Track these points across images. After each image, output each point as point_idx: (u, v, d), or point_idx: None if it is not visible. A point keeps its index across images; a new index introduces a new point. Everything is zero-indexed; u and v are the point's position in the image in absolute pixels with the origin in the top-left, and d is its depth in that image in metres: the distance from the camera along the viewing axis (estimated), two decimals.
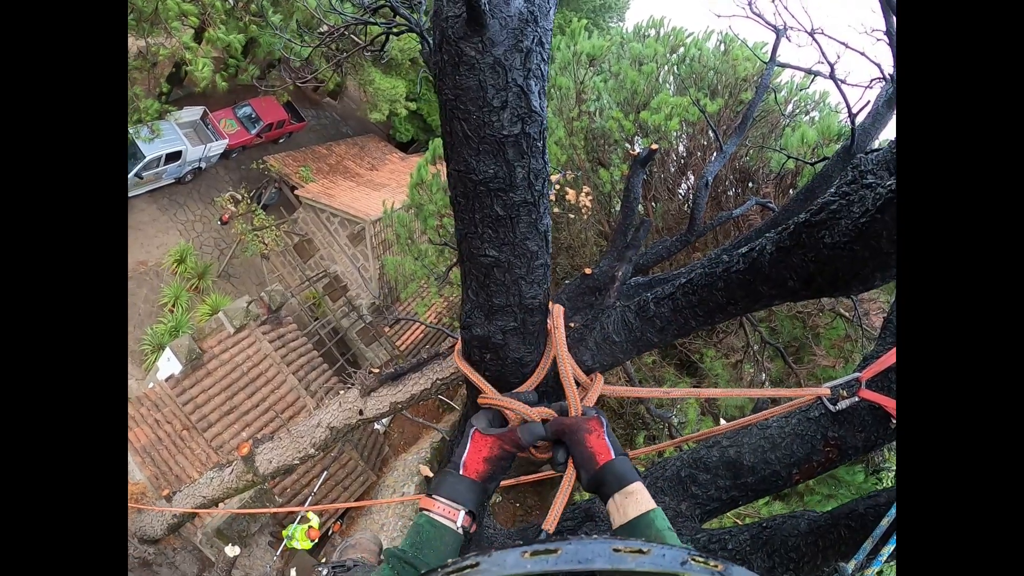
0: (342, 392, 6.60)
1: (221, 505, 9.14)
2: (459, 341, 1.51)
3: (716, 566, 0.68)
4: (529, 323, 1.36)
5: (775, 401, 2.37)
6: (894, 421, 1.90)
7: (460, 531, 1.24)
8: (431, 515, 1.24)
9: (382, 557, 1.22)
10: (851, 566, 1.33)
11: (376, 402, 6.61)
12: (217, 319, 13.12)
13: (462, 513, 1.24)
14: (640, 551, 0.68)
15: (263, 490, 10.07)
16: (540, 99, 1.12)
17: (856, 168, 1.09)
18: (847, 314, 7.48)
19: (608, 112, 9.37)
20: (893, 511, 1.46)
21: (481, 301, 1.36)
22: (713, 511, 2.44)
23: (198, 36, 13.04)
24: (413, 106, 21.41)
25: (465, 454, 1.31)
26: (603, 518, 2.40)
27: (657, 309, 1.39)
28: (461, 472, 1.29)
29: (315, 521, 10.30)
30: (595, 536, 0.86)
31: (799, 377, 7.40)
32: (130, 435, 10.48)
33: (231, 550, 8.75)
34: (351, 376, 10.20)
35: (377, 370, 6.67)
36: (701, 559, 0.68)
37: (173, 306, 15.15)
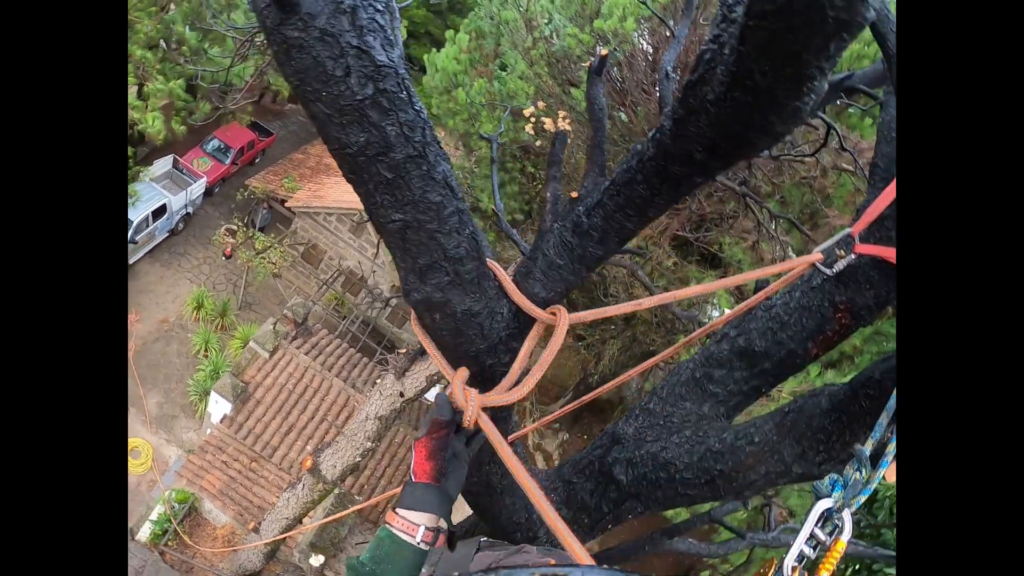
0: (379, 381, 6.70)
1: (305, 521, 9.42)
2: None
3: None
4: (462, 272, 1.35)
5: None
6: None
7: (421, 546, 1.22)
8: (392, 529, 1.23)
9: (346, 565, 1.23)
10: (868, 447, 1.22)
11: (413, 380, 6.71)
12: (250, 349, 13.33)
13: (421, 529, 1.22)
14: None
15: (340, 494, 10.35)
16: (387, 50, 1.09)
17: (725, 3, 1.01)
18: (849, 168, 7.33)
19: (563, 31, 9.20)
20: None
21: (409, 265, 1.34)
22: (738, 405, 2.38)
23: (140, 92, 12.95)
24: None
25: (412, 462, 1.30)
26: (629, 440, 2.40)
27: (590, 221, 1.35)
28: (414, 479, 1.28)
29: None
30: (605, 567, 0.88)
31: (817, 243, 7.30)
32: (203, 482, 10.80)
33: (315, 560, 9.04)
34: (386, 362, 10.34)
35: (404, 350, 6.75)
36: None
37: (206, 351, 15.40)
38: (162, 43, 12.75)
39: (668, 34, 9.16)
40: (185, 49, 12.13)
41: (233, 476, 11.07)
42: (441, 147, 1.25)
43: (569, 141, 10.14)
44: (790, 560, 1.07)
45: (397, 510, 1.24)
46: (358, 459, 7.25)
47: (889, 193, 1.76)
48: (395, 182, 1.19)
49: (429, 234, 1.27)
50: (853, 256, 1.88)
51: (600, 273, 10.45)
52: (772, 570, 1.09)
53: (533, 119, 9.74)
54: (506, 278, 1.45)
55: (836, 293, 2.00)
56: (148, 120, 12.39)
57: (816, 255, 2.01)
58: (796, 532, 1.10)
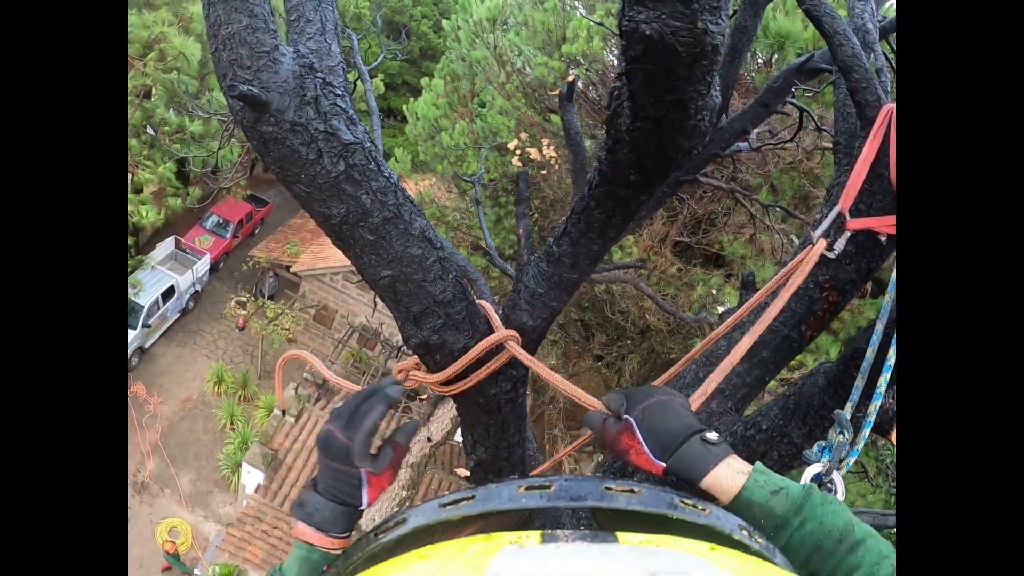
0: None
1: None
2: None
3: (704, 510, 0.71)
4: (453, 314, 1.46)
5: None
6: (883, 237, 1.81)
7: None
8: (324, 550, 1.04)
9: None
10: (848, 410, 1.28)
11: (438, 424, 6.78)
12: (275, 416, 13.45)
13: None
14: (632, 491, 0.71)
15: None
16: (351, 129, 1.22)
17: (621, 46, 1.04)
18: (830, 146, 7.42)
19: (534, 61, 9.40)
20: (874, 340, 1.43)
21: (404, 314, 1.46)
22: (745, 397, 2.39)
23: (130, 182, 13.25)
24: None
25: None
26: None
27: (560, 249, 1.44)
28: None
29: None
30: (589, 475, 0.89)
31: (810, 224, 7.38)
32: (246, 554, 10.84)
33: None
34: (409, 410, 10.45)
35: (425, 396, 6.84)
36: (690, 502, 0.70)
37: (232, 424, 15.54)
38: (149, 129, 13.09)
39: None
40: (167, 129, 12.43)
41: (275, 544, 11.10)
42: (415, 205, 1.37)
43: (557, 167, 10.31)
44: None
45: (331, 534, 1.04)
46: (395, 509, 7.30)
47: (864, 163, 1.75)
48: (377, 243, 1.32)
49: (416, 284, 1.39)
50: (848, 233, 1.83)
51: (608, 290, 10.52)
52: None
53: (518, 151, 9.94)
54: (493, 313, 1.55)
55: (819, 273, 2.01)
56: (142, 213, 12.68)
57: (822, 243, 1.95)
58: None
